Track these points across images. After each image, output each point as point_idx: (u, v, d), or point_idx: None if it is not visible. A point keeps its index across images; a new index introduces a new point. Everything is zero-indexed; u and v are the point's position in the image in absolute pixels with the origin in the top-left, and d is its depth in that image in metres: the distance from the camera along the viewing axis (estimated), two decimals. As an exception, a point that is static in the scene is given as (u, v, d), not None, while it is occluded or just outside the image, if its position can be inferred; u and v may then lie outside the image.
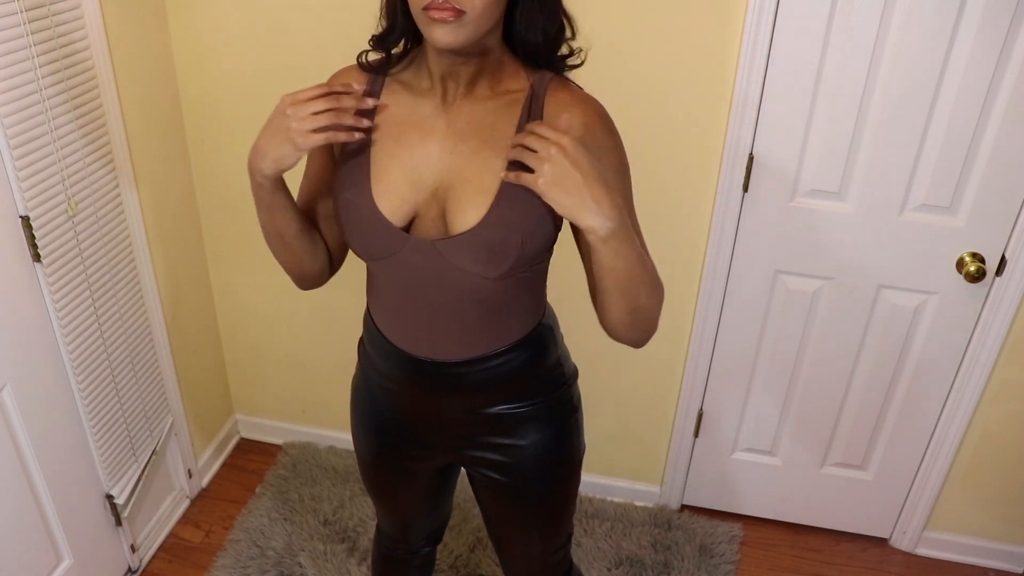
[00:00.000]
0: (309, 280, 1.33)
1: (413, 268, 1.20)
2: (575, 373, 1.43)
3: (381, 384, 1.39)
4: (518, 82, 1.18)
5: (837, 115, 1.85)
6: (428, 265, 1.19)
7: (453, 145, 1.17)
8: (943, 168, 1.86)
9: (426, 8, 1.04)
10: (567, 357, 1.42)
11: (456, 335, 1.27)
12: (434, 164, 1.18)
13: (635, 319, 1.16)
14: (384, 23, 1.18)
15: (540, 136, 1.03)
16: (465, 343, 1.27)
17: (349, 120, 1.11)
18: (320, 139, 1.09)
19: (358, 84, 1.21)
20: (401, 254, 1.20)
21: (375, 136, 1.19)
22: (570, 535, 1.55)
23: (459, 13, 1.04)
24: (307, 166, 1.30)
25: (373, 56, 1.22)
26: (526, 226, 1.15)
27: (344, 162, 1.21)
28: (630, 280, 1.11)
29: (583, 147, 1.03)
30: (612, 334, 1.20)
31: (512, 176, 1.06)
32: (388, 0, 1.16)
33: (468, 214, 1.15)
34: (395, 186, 1.18)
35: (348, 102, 1.10)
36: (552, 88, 1.17)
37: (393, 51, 1.20)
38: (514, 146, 1.07)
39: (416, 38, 1.19)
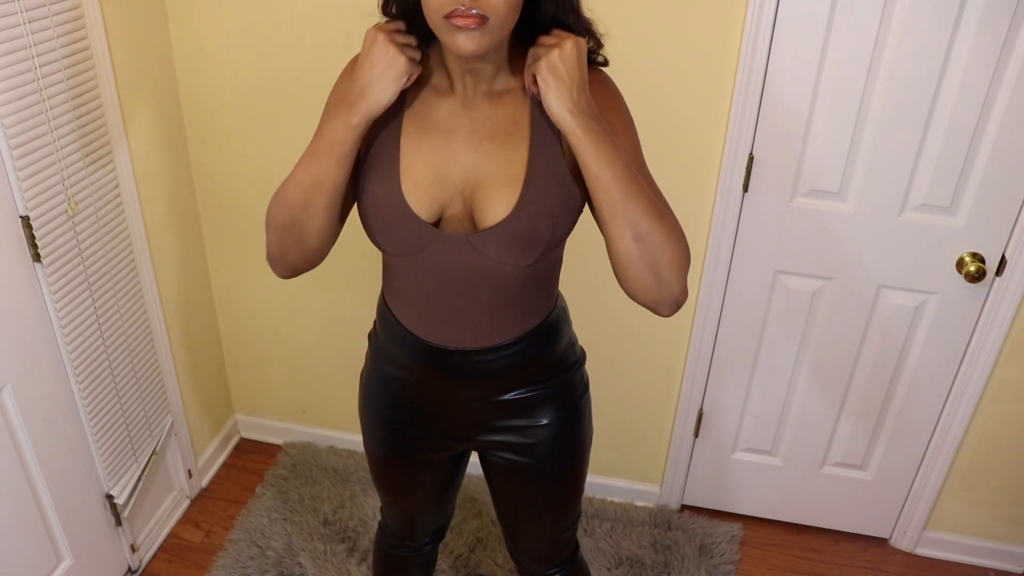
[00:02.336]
0: (303, 260, 1.23)
1: (442, 263, 1.22)
2: (584, 354, 1.47)
3: (397, 375, 1.40)
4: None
5: (837, 115, 1.85)
6: (459, 260, 1.20)
7: (478, 143, 1.18)
8: (943, 168, 1.86)
9: (449, 16, 1.04)
10: (576, 338, 1.46)
11: (482, 324, 1.28)
12: (459, 163, 1.19)
13: (643, 252, 1.09)
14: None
15: (552, 39, 1.10)
16: (490, 331, 1.29)
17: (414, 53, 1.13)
18: (413, 59, 1.11)
19: None
20: (431, 250, 1.20)
21: (402, 130, 1.20)
22: (579, 515, 1.57)
23: (483, 20, 1.04)
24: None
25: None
26: (555, 209, 1.18)
27: (372, 154, 1.20)
28: (622, 192, 1.08)
29: (580, 56, 1.09)
30: (627, 284, 1.13)
31: (529, 80, 1.12)
32: (399, 6, 1.15)
33: (498, 206, 1.17)
34: (423, 183, 1.19)
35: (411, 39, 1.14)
36: None
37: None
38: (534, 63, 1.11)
39: (431, 34, 1.17)
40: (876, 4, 1.72)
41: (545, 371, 1.38)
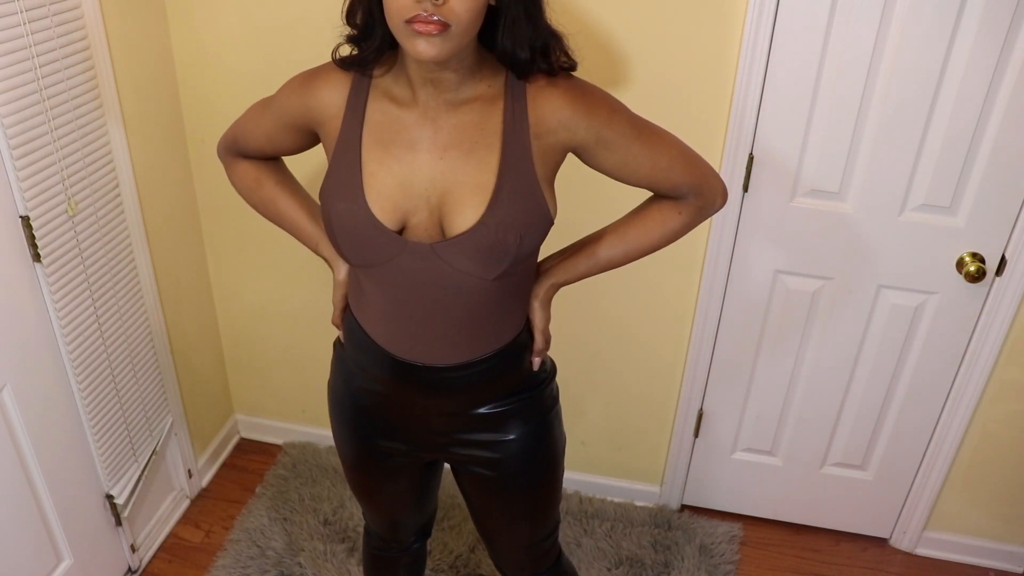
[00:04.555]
0: None
1: (409, 274, 1.20)
2: (554, 368, 1.46)
3: (364, 386, 1.39)
4: (496, 76, 1.18)
5: (837, 115, 1.85)
6: (425, 270, 1.19)
7: (443, 152, 1.17)
8: (943, 168, 1.86)
9: (410, 21, 1.03)
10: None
11: (450, 340, 1.27)
12: (425, 172, 1.17)
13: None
14: (355, 31, 1.17)
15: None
16: (458, 347, 1.28)
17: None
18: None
19: (341, 86, 1.20)
20: (397, 260, 1.19)
21: (364, 144, 1.19)
22: (558, 523, 1.57)
23: (444, 27, 1.03)
24: (271, 117, 1.34)
25: (346, 50, 1.21)
26: (523, 223, 1.16)
27: (335, 169, 1.20)
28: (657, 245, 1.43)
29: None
30: None
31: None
32: (363, 9, 1.14)
33: (466, 215, 1.16)
34: (387, 193, 1.18)
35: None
36: (530, 78, 1.17)
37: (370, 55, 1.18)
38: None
39: (393, 43, 1.16)
40: (876, 4, 1.72)
41: (514, 386, 1.37)
